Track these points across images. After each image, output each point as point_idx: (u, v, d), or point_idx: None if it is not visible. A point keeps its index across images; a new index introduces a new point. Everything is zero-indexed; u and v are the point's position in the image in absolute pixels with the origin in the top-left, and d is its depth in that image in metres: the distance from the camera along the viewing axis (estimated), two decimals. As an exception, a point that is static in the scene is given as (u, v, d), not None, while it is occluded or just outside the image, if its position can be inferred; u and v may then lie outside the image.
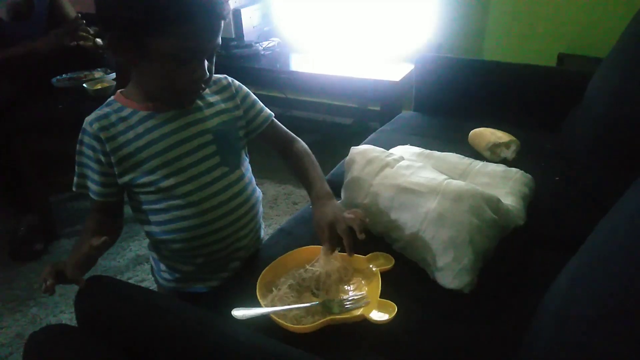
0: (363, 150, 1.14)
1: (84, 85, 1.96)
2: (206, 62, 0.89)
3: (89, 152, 0.95)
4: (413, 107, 1.90)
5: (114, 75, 2.04)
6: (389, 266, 0.97)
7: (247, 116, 1.06)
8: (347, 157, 1.16)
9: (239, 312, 0.84)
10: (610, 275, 0.62)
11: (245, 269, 1.07)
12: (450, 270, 0.93)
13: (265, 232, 1.97)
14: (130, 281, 1.84)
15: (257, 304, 0.89)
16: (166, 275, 1.08)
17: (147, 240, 1.07)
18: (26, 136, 1.87)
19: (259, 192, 1.11)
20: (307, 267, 0.97)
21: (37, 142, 1.90)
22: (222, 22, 0.86)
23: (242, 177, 1.03)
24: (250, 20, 2.58)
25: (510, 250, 1.05)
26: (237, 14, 2.52)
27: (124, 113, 0.94)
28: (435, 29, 2.35)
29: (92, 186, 0.96)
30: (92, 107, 1.92)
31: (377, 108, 2.50)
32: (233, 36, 2.55)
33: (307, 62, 2.43)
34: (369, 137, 1.64)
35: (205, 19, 0.82)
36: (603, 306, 0.60)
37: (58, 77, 2.04)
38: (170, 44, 0.82)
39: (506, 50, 2.32)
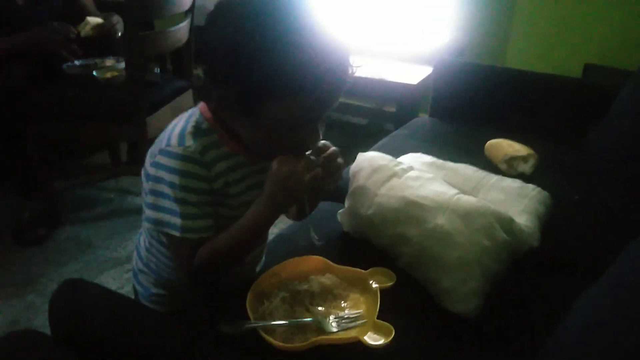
0: (370, 158, 1.08)
1: (94, 73, 1.93)
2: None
3: (204, 185, 0.81)
4: (429, 112, 1.84)
5: (124, 64, 2.01)
6: (389, 284, 0.92)
7: None
8: (354, 164, 1.10)
9: (226, 326, 0.79)
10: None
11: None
12: (456, 293, 0.88)
13: (270, 232, 1.95)
14: (130, 272, 1.81)
15: (248, 316, 0.84)
16: (155, 298, 0.98)
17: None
18: (34, 121, 1.85)
19: None
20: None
21: (44, 128, 1.88)
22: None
23: None
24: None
25: (522, 274, 0.99)
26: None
27: (222, 151, 0.83)
28: (458, 32, 2.29)
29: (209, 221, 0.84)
30: (101, 94, 1.92)
31: (393, 109, 2.44)
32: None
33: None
34: (380, 142, 1.58)
35: (330, 89, 0.73)
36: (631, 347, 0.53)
37: (69, 63, 2.01)
38: (287, 112, 0.73)
39: (530, 57, 2.25)
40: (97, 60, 2.06)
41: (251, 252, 0.94)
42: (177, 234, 0.80)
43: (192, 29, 1.98)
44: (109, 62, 2.07)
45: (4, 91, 1.82)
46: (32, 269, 1.82)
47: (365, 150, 1.43)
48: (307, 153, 0.81)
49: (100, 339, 0.63)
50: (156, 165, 0.80)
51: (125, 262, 1.86)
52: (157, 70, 2.11)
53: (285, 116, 0.73)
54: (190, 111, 0.85)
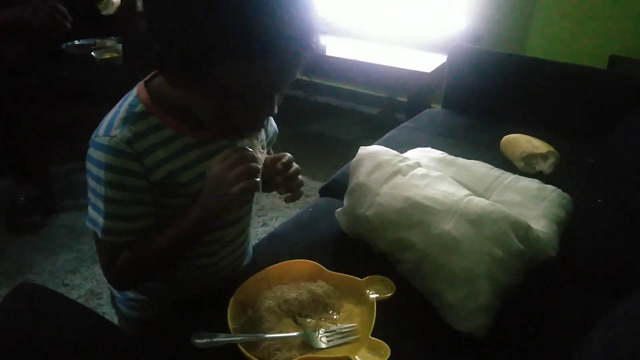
0: (372, 152, 0.98)
1: (92, 53, 1.86)
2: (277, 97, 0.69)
3: (134, 181, 0.71)
4: (442, 103, 1.73)
5: (124, 44, 1.93)
6: (388, 294, 0.82)
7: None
8: (354, 159, 1.01)
9: (199, 338, 0.70)
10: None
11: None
12: (462, 309, 0.78)
13: (270, 226, 1.88)
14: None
15: (227, 327, 0.76)
16: (132, 303, 0.90)
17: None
18: (29, 102, 1.79)
19: None
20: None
21: (38, 109, 1.81)
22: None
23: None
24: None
25: (537, 287, 0.89)
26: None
27: (164, 135, 0.72)
28: (475, 18, 2.17)
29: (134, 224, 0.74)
30: (96, 75, 1.84)
31: (406, 99, 2.34)
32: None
33: (335, 45, 2.29)
34: (388, 134, 1.49)
35: (291, 57, 0.62)
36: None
37: (69, 42, 1.94)
38: (238, 79, 0.62)
39: (552, 47, 2.14)
40: (98, 40, 2.00)
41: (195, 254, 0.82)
42: (98, 234, 0.72)
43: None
44: (110, 42, 1.99)
45: (-2, 70, 1.75)
46: (23, 258, 1.76)
47: (373, 142, 1.34)
48: (261, 151, 0.72)
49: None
50: (87, 157, 0.72)
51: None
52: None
53: (236, 85, 0.62)
54: (128, 94, 0.75)
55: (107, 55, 1.86)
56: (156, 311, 0.89)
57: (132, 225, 0.72)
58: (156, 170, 0.72)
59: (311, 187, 2.13)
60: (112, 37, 2.04)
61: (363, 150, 1.01)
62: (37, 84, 1.80)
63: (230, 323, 0.76)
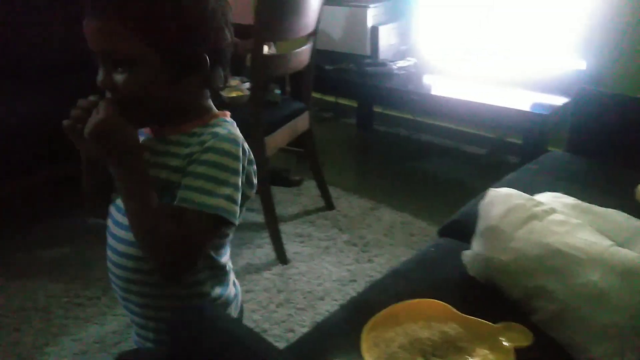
0: (504, 195, 0.97)
1: (221, 92, 2.01)
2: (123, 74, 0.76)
3: None
4: (565, 146, 1.66)
5: (248, 84, 2.08)
6: (526, 343, 0.80)
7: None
8: (485, 200, 0.99)
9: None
10: None
11: (348, 312, 0.95)
12: (609, 365, 0.74)
13: (376, 262, 1.88)
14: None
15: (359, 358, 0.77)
16: None
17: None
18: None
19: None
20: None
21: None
22: (122, 25, 0.73)
23: None
24: (387, 38, 2.54)
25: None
26: (374, 31, 2.51)
27: None
28: (593, 57, 2.07)
29: None
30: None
31: (517, 141, 2.27)
32: (368, 53, 2.52)
33: (442, 84, 2.31)
34: (508, 176, 1.44)
35: (88, 14, 0.76)
36: None
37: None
38: None
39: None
40: (222, 81, 2.16)
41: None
42: None
43: (314, 52, 2.00)
44: (234, 82, 2.15)
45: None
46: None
47: (480, 182, 1.32)
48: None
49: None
50: None
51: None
52: (277, 91, 2.16)
53: None
54: None
55: (234, 94, 2.01)
56: None
57: None
58: None
59: (417, 226, 2.11)
60: (236, 77, 2.21)
61: (493, 192, 1.00)
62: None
63: (366, 356, 0.78)
